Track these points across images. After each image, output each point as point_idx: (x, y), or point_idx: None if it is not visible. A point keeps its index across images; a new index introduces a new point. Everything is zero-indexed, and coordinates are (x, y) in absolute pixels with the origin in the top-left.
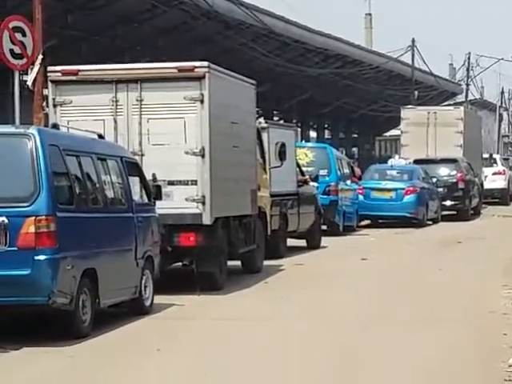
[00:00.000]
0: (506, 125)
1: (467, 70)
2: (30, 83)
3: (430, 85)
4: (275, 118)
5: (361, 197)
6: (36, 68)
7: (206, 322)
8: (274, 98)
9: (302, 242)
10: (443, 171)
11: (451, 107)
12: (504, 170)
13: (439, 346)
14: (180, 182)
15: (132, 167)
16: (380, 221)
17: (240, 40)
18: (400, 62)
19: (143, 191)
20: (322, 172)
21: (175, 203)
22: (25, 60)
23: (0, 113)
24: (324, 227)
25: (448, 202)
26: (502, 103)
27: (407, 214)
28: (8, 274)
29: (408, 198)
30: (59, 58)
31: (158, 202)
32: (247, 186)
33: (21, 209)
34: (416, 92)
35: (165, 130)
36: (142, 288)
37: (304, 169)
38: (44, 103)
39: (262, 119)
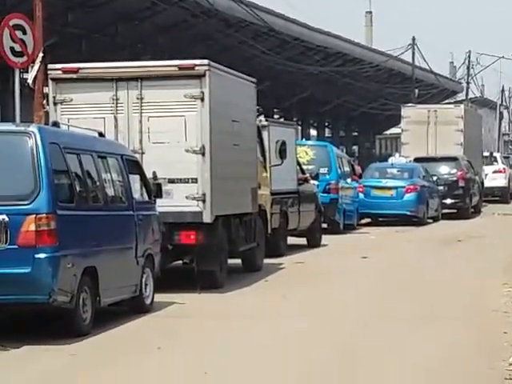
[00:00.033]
0: (506, 123)
1: (467, 68)
2: (30, 81)
3: (431, 83)
4: (275, 116)
5: (361, 195)
6: (36, 66)
7: (206, 320)
8: (274, 96)
9: (303, 241)
10: (443, 169)
11: (451, 105)
12: (504, 169)
13: (439, 344)
14: (180, 180)
15: (132, 165)
16: (380, 219)
17: (240, 38)
18: (400, 60)
19: (144, 189)
20: (323, 170)
21: (176, 201)
22: (25, 58)
23: (0, 111)
24: (324, 225)
25: (448, 200)
26: (502, 101)
27: (407, 212)
28: (8, 272)
29: (408, 197)
30: (59, 56)
31: (158, 200)
32: (248, 184)
33: (21, 207)
34: (416, 90)
35: (165, 128)
36: (143, 286)
37: (304, 167)
38: (44, 101)
39: (262, 117)
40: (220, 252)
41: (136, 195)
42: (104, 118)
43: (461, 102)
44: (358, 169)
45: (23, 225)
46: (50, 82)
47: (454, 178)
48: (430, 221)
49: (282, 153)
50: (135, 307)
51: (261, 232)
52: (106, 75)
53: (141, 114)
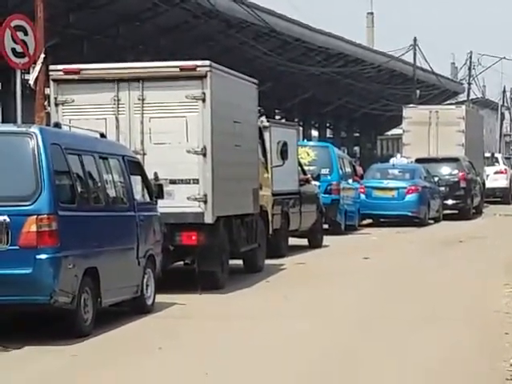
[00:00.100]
0: (507, 124)
1: (469, 68)
2: (31, 82)
3: (432, 84)
4: (277, 117)
5: (362, 196)
6: (38, 67)
7: (207, 320)
8: (275, 96)
9: (304, 241)
10: (445, 170)
11: (453, 106)
12: (506, 169)
13: (440, 344)
14: (182, 181)
15: (134, 166)
16: (382, 220)
17: (241, 39)
18: (402, 61)
19: (145, 190)
20: (324, 171)
21: (177, 202)
22: (27, 59)
23: (2, 112)
24: (326, 226)
25: (450, 201)
26: (503, 102)
27: (409, 213)
28: (10, 272)
29: (410, 197)
30: (61, 57)
31: (159, 201)
32: (249, 185)
33: (22, 208)
34: (418, 91)
35: (167, 129)
36: (144, 287)
37: (306, 168)
38: (46, 102)
39: (263, 118)
40: (221, 253)
41: (137, 196)
42: (105, 118)
43: (462, 102)
44: (359, 169)
45: (24, 225)
46: (51, 82)
47: (456, 179)
48: (432, 222)
49: (284, 154)
50: (136, 308)
51: (262, 233)
52: (108, 76)
53: (142, 115)
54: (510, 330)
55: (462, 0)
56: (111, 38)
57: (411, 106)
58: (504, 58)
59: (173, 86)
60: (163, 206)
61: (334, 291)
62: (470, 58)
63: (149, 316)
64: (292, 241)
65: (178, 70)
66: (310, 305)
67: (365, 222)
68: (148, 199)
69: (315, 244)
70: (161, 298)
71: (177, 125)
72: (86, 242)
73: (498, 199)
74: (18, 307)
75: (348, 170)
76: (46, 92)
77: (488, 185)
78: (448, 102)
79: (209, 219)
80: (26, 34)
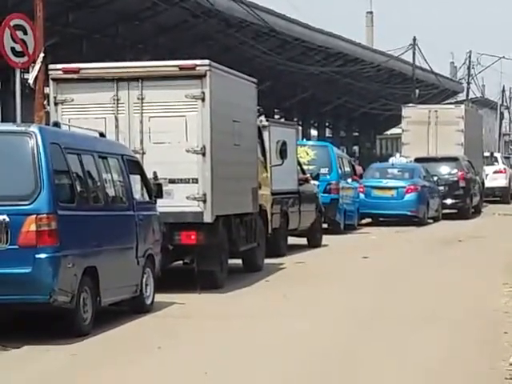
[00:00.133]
0: (506, 123)
1: (468, 68)
2: (31, 81)
3: (431, 83)
4: (276, 117)
5: (362, 195)
6: (37, 66)
7: (206, 320)
8: (275, 96)
9: (303, 241)
10: (444, 169)
11: (452, 105)
12: (505, 169)
13: (440, 344)
14: (181, 181)
15: (133, 165)
16: (381, 219)
17: (241, 38)
18: (401, 61)
19: (144, 189)
20: (323, 170)
21: (176, 201)
22: (26, 58)
23: (1, 111)
24: (325, 225)
25: (449, 201)
26: (502, 101)
27: (408, 213)
28: (9, 272)
29: (409, 197)
30: (60, 56)
31: (159, 201)
32: (248, 185)
33: (22, 207)
34: (417, 90)
35: (166, 129)
36: (143, 286)
37: (305, 167)
38: (45, 101)
39: (262, 117)
40: (220, 252)
41: (137, 195)
42: (105, 118)
43: (461, 102)
44: (359, 169)
45: (24, 225)
46: (50, 82)
47: (455, 179)
48: (431, 221)
49: (283, 153)
50: (136, 307)
51: (261, 232)
52: (107, 75)
53: (141, 114)
54: (510, 329)
55: (461, 1)
56: (110, 37)
57: (410, 105)
58: (503, 57)
59: (172, 86)
60: (162, 205)
61: (333, 290)
62: (470, 57)
63: (148, 315)
64: (291, 240)
65: (177, 69)
66: (309, 304)
67: (364, 221)
68: (147, 198)
69: (314, 243)
70: (160, 297)
71: (176, 124)
72: (86, 242)
73: (497, 198)
74: (18, 306)
75: (347, 169)
76: (45, 91)
77: (487, 184)
78: (447, 101)
79: (208, 218)
80: (25, 33)
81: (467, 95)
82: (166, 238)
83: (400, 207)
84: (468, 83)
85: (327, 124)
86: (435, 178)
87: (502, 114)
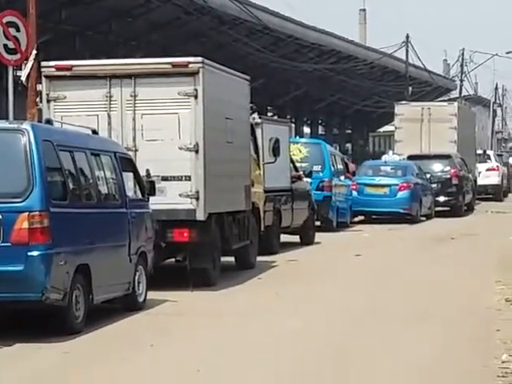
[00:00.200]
0: (499, 121)
1: (461, 65)
2: (23, 78)
3: (424, 80)
4: (269, 114)
5: (354, 193)
6: (30, 63)
7: (199, 317)
8: (268, 93)
9: (296, 238)
10: (437, 167)
11: (445, 103)
12: (498, 166)
13: (433, 342)
14: (174, 178)
15: (126, 163)
16: (373, 217)
17: (234, 35)
18: (394, 58)
19: (137, 187)
20: (316, 168)
21: (169, 199)
22: (19, 55)
23: None
24: (318, 223)
25: (442, 198)
26: (495, 99)
27: (401, 210)
28: (1, 269)
29: (402, 194)
30: (53, 53)
31: (151, 198)
32: (241, 182)
33: (14, 204)
34: (410, 88)
35: (159, 126)
36: (136, 284)
37: (298, 164)
38: (38, 99)
39: (255, 115)
40: (213, 250)
41: (129, 193)
42: (97, 115)
43: (454, 99)
44: (352, 166)
45: (16, 222)
46: (43, 79)
47: (448, 176)
48: (423, 218)
49: (276, 150)
50: (128, 305)
51: (254, 230)
52: (100, 72)
53: (134, 112)
54: (502, 327)
55: None
56: (103, 34)
57: (403, 102)
58: (496, 54)
59: (165, 83)
60: (155, 202)
61: (325, 288)
62: (463, 55)
63: (140, 313)
64: (284, 238)
65: (170, 66)
66: (301, 302)
67: (357, 218)
68: (140, 196)
69: (307, 241)
70: (152, 294)
71: (169, 121)
72: (78, 239)
73: (490, 196)
74: (10, 304)
75: (340, 166)
76: (37, 88)
77: (480, 182)
78: (440, 98)
79: (201, 216)
80: (18, 30)
81: (460, 93)
82: (159, 236)
83: (393, 205)
84: (461, 81)
85: (320, 121)
86: (428, 176)
87: (494, 111)
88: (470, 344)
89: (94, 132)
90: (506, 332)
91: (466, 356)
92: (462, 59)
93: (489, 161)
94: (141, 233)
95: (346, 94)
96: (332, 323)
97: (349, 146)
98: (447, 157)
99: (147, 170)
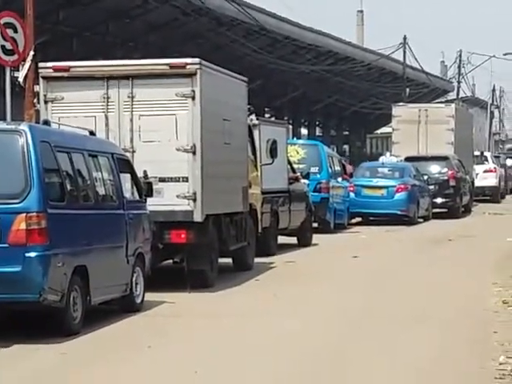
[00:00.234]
0: (497, 122)
1: (458, 67)
2: (21, 79)
3: (422, 82)
4: (266, 115)
5: (352, 194)
6: (27, 64)
7: (196, 319)
8: (265, 94)
9: (293, 240)
10: (434, 169)
11: (442, 105)
12: (495, 168)
13: (430, 343)
14: (171, 179)
15: (123, 164)
16: (371, 218)
17: (232, 37)
18: (391, 60)
19: (134, 188)
20: (313, 169)
21: (166, 200)
22: (16, 56)
23: None
24: (315, 225)
25: (439, 200)
26: (493, 101)
27: (398, 212)
28: None
29: (399, 196)
30: (51, 54)
31: (149, 199)
32: (238, 183)
33: (12, 205)
34: (407, 89)
35: (156, 127)
36: (133, 285)
37: (295, 166)
38: (35, 100)
39: (253, 116)
40: (210, 251)
41: (127, 194)
42: (95, 116)
43: (452, 101)
44: (349, 168)
45: (14, 223)
46: (40, 80)
47: (445, 178)
48: (421, 220)
49: (273, 152)
50: (125, 306)
51: (251, 231)
52: (97, 74)
53: (132, 113)
54: (499, 328)
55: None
56: (101, 35)
57: (401, 104)
58: (493, 56)
59: (162, 84)
60: (152, 204)
61: (323, 290)
62: (460, 56)
63: (138, 314)
64: (281, 239)
65: (167, 67)
66: (299, 303)
67: (354, 220)
68: (137, 197)
69: (304, 242)
70: (150, 296)
71: (166, 123)
72: (76, 240)
73: (487, 198)
74: (7, 305)
75: (337, 168)
76: (35, 89)
77: (477, 183)
78: (438, 100)
79: (198, 217)
80: (15, 31)
81: (457, 94)
82: (156, 237)
83: (390, 206)
84: (458, 82)
85: (317, 123)
86: (425, 177)
87: (492, 113)
88: (467, 346)
89: (92, 133)
90: (503, 334)
91: (463, 358)
92: (460, 61)
93: (486, 162)
94: (138, 234)
95: (343, 95)
96: (329, 325)
97: (346, 147)
98: (444, 158)
99: (144, 172)
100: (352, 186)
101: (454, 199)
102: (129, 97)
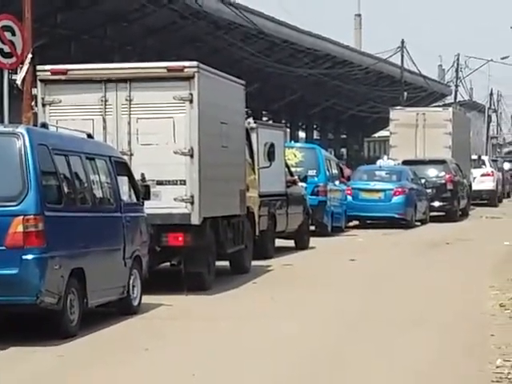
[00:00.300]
0: (494, 126)
1: (456, 71)
2: (19, 82)
3: (419, 86)
4: (264, 119)
5: (349, 197)
6: (25, 67)
7: (193, 321)
8: (263, 98)
9: (291, 243)
10: (432, 172)
11: (440, 108)
12: (492, 172)
13: (428, 347)
14: (169, 182)
15: (121, 167)
16: (368, 221)
17: (229, 40)
18: (389, 63)
19: (132, 191)
20: (311, 172)
21: (164, 203)
22: (14, 59)
23: None
24: (312, 228)
25: (436, 203)
26: (490, 105)
27: (395, 215)
28: None
29: (396, 199)
30: (48, 57)
31: (146, 202)
32: (236, 187)
33: (9, 208)
34: (405, 93)
35: (154, 130)
36: (130, 288)
37: (293, 169)
38: (33, 102)
39: (251, 119)
40: (208, 254)
41: (124, 197)
42: (93, 119)
43: (449, 104)
44: (347, 171)
45: (11, 226)
46: (38, 83)
47: (442, 181)
48: (418, 223)
49: (271, 155)
50: (123, 309)
51: (249, 234)
52: (95, 77)
53: (129, 116)
54: (496, 332)
55: (449, 3)
56: (99, 39)
57: (398, 108)
58: (491, 60)
59: (160, 87)
60: (150, 206)
61: (320, 292)
62: (458, 60)
63: (135, 317)
64: (279, 242)
65: (165, 70)
66: (296, 306)
67: (351, 223)
68: (135, 200)
69: (302, 245)
70: (147, 299)
71: (164, 126)
72: (73, 243)
73: (485, 201)
74: (4, 308)
75: (335, 171)
76: (33, 92)
77: (475, 187)
78: (435, 104)
79: (195, 220)
80: (13, 34)
81: (455, 98)
82: (154, 240)
83: (387, 210)
84: (456, 86)
85: (315, 126)
86: (423, 181)
87: (489, 116)
88: (464, 349)
89: (89, 136)
90: (501, 337)
91: (461, 361)
92: (457, 64)
93: (483, 166)
94: (135, 237)
95: (341, 98)
96: (327, 327)
97: (344, 150)
98: (442, 162)
99: (142, 174)
100: (349, 189)
101: (451, 203)
102: (126, 100)
